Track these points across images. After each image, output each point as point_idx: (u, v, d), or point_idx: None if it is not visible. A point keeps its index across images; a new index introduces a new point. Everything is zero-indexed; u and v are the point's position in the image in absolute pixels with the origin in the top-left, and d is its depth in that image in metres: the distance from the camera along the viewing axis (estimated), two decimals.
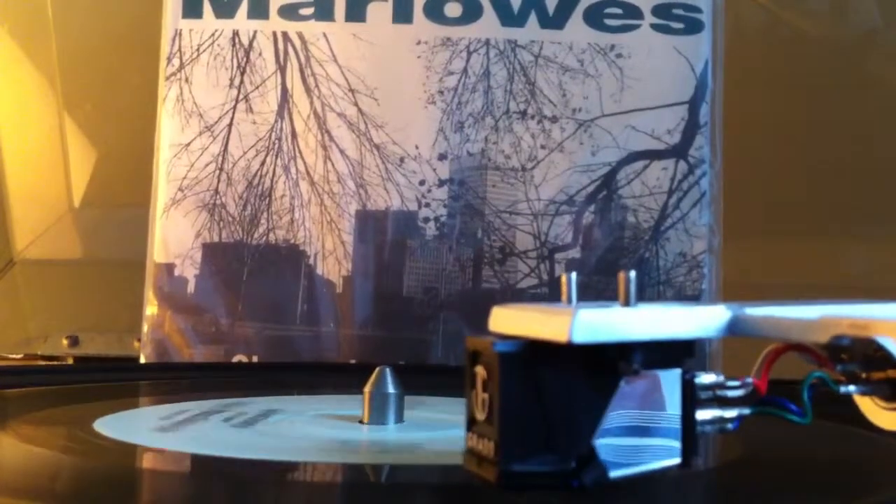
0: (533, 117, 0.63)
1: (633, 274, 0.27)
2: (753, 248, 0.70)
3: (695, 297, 0.61)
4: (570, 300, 0.28)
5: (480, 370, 0.27)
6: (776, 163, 0.72)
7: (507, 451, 0.26)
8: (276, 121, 0.63)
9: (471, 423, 0.27)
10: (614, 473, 0.26)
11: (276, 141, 0.63)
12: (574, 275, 0.28)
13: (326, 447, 0.36)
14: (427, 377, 0.55)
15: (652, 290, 0.62)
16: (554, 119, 0.63)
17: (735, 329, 0.27)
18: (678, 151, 0.62)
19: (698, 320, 0.27)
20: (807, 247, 0.71)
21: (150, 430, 0.39)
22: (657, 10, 0.63)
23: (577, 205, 0.62)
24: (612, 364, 0.26)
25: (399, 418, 0.40)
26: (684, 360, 0.27)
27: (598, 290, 0.61)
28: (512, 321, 0.27)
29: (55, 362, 0.70)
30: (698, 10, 0.63)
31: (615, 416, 0.26)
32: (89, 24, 0.78)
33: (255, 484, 0.31)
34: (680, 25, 0.63)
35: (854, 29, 0.74)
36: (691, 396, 0.27)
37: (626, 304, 0.27)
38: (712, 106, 0.63)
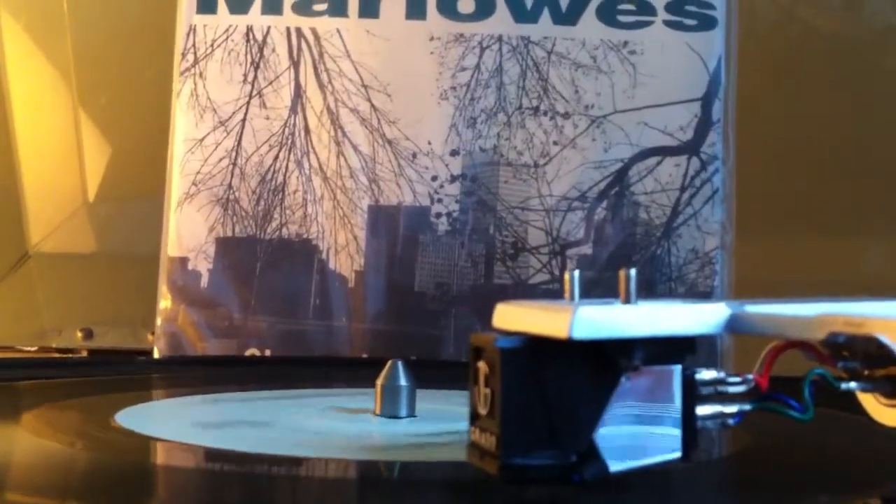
0: (545, 113, 0.63)
1: (632, 271, 0.27)
2: (767, 245, 0.70)
3: (707, 294, 0.61)
4: (572, 297, 0.28)
5: (483, 366, 0.27)
6: (790, 160, 0.72)
7: (508, 445, 0.26)
8: (289, 116, 0.63)
9: (474, 417, 0.28)
10: (615, 468, 0.27)
11: (290, 136, 0.63)
12: (577, 272, 0.28)
13: (338, 440, 0.36)
14: (438, 372, 0.55)
15: (664, 286, 0.62)
16: (566, 115, 0.63)
17: (734, 327, 0.28)
18: (691, 148, 0.62)
19: (698, 318, 0.27)
20: (821, 244, 0.71)
21: (162, 423, 0.39)
22: (670, 7, 0.63)
23: (589, 201, 0.62)
24: (612, 360, 0.26)
25: (411, 411, 0.40)
26: (685, 357, 0.27)
27: (609, 286, 0.61)
28: (515, 317, 0.28)
29: (69, 355, 0.70)
30: (712, 6, 0.63)
31: (616, 411, 0.27)
32: (104, 19, 0.78)
33: (268, 478, 0.31)
34: (693, 22, 0.63)
35: (868, 25, 0.74)
36: (691, 392, 0.27)
37: (627, 301, 0.27)
38: (725, 103, 0.63)
